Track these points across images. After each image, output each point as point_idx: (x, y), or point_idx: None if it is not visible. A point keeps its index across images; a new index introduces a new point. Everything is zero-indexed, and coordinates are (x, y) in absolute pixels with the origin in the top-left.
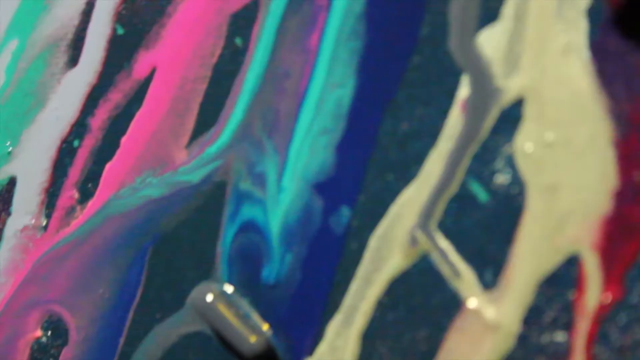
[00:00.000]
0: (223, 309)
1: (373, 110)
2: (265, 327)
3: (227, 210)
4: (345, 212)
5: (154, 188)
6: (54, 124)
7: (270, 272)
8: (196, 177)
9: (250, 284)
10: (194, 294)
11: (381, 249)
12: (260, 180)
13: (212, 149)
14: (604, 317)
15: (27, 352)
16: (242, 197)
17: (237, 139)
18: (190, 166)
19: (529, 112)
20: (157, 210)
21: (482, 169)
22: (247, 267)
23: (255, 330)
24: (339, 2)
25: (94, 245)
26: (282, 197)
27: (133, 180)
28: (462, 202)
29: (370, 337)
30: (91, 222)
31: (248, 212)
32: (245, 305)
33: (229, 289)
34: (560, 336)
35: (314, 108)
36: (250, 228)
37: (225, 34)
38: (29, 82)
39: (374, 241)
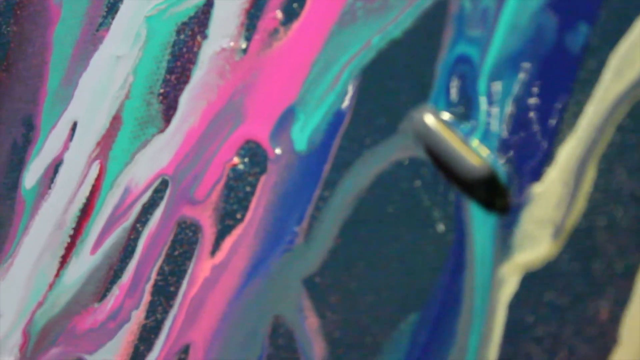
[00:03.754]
0: (444, 131)
1: None
2: (486, 152)
3: (448, 33)
4: (583, 29)
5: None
6: None
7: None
8: None
9: (468, 110)
10: (414, 115)
11: (623, 68)
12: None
13: None
14: None
15: (223, 179)
16: (463, 21)
17: None
18: None
19: None
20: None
21: None
22: (464, 93)
23: (478, 154)
24: None
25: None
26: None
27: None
28: None
29: (608, 161)
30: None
31: (467, 38)
32: (463, 132)
33: (447, 115)
34: None
35: None
36: (467, 57)
37: None
38: None
39: (615, 60)
